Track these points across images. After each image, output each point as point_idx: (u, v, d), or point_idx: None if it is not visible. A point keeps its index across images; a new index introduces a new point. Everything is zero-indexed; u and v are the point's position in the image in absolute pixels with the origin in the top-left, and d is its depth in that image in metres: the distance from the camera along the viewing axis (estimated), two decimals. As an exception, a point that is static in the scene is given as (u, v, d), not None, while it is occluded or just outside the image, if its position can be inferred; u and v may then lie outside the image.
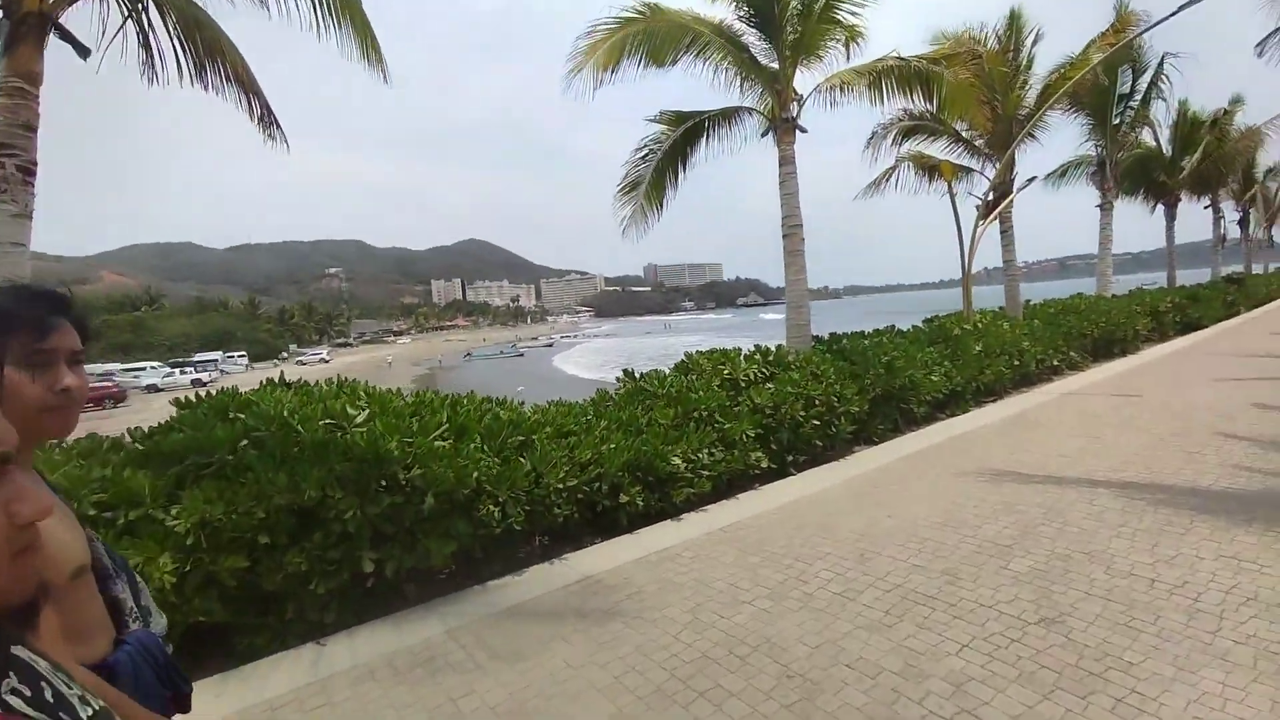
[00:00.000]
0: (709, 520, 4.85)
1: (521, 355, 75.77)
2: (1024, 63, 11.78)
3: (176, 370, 57.76)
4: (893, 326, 9.54)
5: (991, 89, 11.42)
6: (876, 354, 7.39)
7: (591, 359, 60.14)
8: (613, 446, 4.71)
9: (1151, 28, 11.67)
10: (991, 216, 12.26)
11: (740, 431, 5.52)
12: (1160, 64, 14.66)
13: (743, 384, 6.17)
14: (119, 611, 1.15)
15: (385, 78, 5.58)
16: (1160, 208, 19.64)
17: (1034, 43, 11.99)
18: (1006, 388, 9.20)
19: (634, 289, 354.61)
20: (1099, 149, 15.47)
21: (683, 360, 6.65)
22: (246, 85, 5.41)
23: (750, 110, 8.91)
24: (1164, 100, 14.96)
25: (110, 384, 44.42)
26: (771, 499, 5.29)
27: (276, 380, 4.60)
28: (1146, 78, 14.86)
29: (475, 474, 3.85)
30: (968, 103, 8.54)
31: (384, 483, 3.59)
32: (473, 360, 73.68)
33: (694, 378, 6.15)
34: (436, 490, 3.67)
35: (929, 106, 8.88)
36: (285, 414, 3.72)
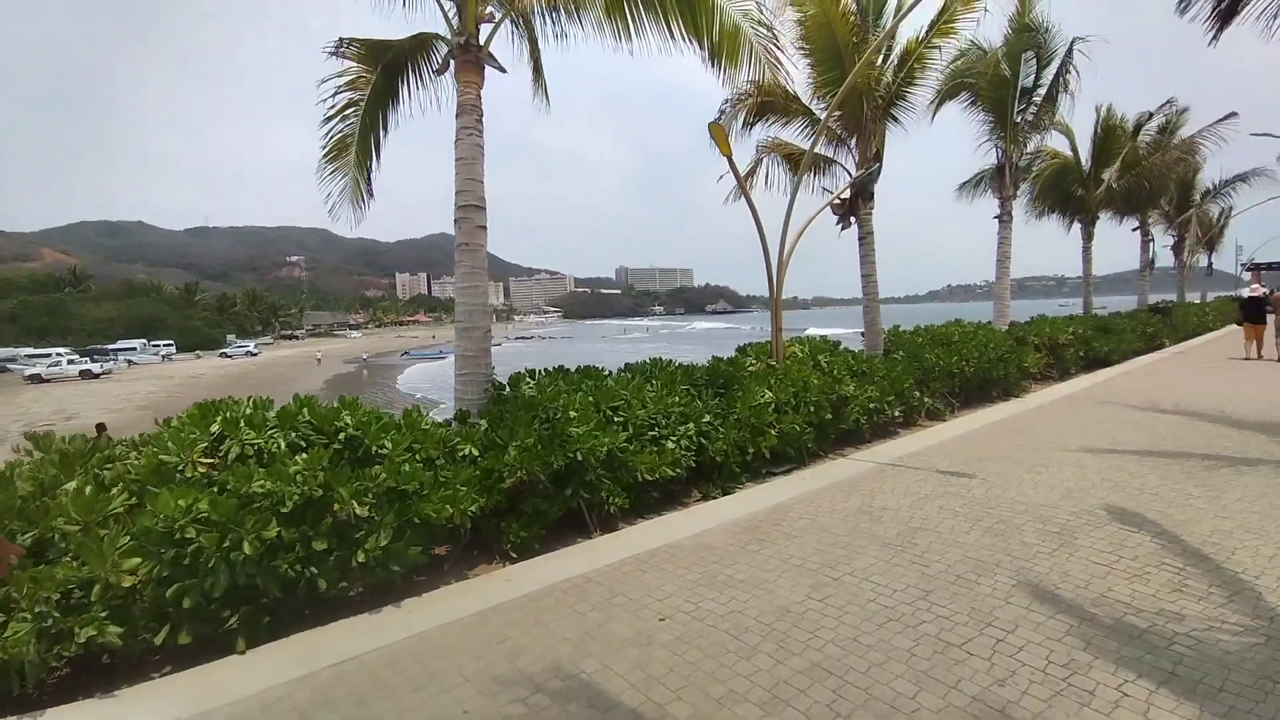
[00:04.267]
0: None
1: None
2: (876, 22, 9.27)
3: (65, 359, 52.76)
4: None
5: (833, 51, 8.90)
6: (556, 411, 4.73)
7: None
8: None
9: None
10: (818, 218, 9.77)
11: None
12: (1069, 51, 12.42)
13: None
14: None
15: None
16: (1078, 227, 17.60)
17: (899, 7, 9.51)
18: (805, 453, 6.62)
19: (604, 290, 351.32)
20: (999, 151, 13.18)
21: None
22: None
23: (443, 40, 6.19)
24: (1069, 94, 12.67)
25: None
26: None
27: None
28: (1053, 68, 12.61)
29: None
30: (734, 50, 5.92)
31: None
32: (409, 358, 69.81)
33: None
34: None
35: (702, 52, 6.25)
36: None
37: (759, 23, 6.12)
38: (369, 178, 7.41)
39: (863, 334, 10.29)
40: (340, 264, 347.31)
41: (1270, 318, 14.56)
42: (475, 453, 4.53)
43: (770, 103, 10.40)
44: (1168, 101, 18.12)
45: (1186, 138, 18.52)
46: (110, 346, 72.08)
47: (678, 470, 5.36)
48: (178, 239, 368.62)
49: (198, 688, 2.92)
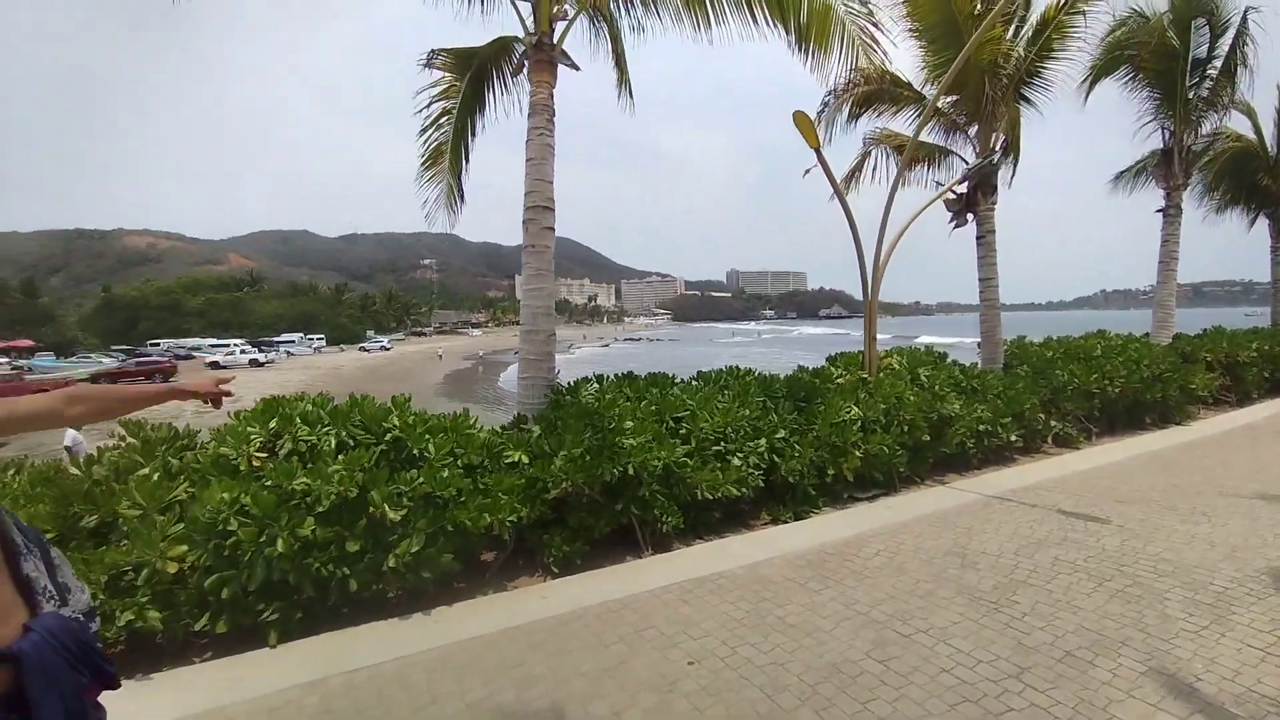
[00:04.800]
0: None
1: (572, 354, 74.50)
2: None
3: (239, 349, 60.73)
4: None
5: (949, 25, 7.91)
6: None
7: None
8: None
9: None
10: (949, 217, 8.74)
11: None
12: (1244, 20, 10.29)
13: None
14: (31, 591, 1.14)
15: None
16: (1265, 222, 14.64)
17: (1034, -29, 8.29)
18: (896, 478, 5.89)
19: (715, 294, 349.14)
20: (1166, 133, 11.21)
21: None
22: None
23: (520, 41, 6.16)
24: (1247, 67, 10.47)
25: (164, 359, 47.01)
26: None
27: None
28: (1229, 38, 10.51)
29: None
30: (824, 32, 5.30)
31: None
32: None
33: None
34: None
35: (789, 37, 5.71)
36: None
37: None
38: (460, 182, 7.63)
39: (979, 344, 9.15)
40: (466, 266, 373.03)
41: None
42: (524, 460, 4.40)
43: (877, 91, 9.55)
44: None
45: None
46: (275, 339, 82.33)
47: (743, 490, 4.91)
48: (333, 245, 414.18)
49: (220, 682, 2.98)
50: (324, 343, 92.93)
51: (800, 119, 6.07)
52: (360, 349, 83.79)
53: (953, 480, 6.20)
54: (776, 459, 5.25)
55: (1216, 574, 3.81)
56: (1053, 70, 8.81)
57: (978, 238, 8.97)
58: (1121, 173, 14.48)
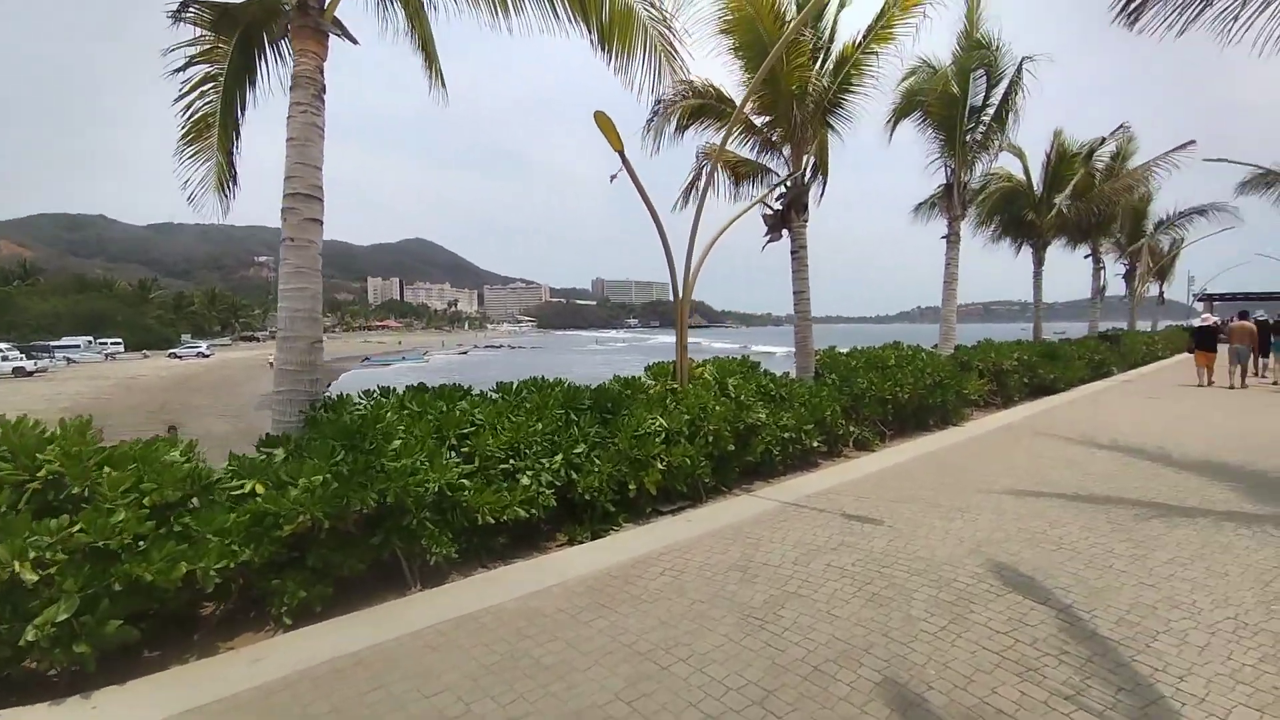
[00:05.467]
0: None
1: (426, 362, 70.28)
2: (811, 21, 8.70)
3: (1, 355, 49.81)
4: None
5: (761, 48, 8.28)
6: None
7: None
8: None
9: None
10: (767, 233, 9.14)
11: None
12: (1019, 70, 12.10)
13: None
14: None
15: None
16: (1029, 252, 17.39)
17: (840, 4, 8.97)
18: (702, 489, 5.85)
19: (580, 301, 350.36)
20: (948, 170, 12.78)
21: None
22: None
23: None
24: (1016, 114, 12.38)
25: None
26: None
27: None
28: (1002, 87, 12.28)
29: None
30: (626, 35, 5.20)
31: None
32: (369, 365, 67.68)
33: None
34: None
35: (591, 35, 5.53)
36: None
37: (653, 5, 5.42)
38: (232, 161, 6.54)
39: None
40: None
41: (1226, 345, 14.75)
42: (259, 490, 3.66)
43: (705, 106, 9.78)
44: (1120, 127, 18.11)
45: (1140, 165, 18.54)
46: (53, 344, 68.85)
47: (533, 511, 4.54)
48: (141, 234, 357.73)
49: None
50: (121, 348, 79.69)
51: (601, 120, 5.87)
52: (171, 355, 72.68)
53: (759, 488, 6.32)
54: (574, 475, 4.95)
55: (961, 570, 4.08)
56: (854, 103, 9.59)
57: (792, 253, 9.46)
58: (920, 204, 16.37)
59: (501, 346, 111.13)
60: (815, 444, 7.15)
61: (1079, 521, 5.03)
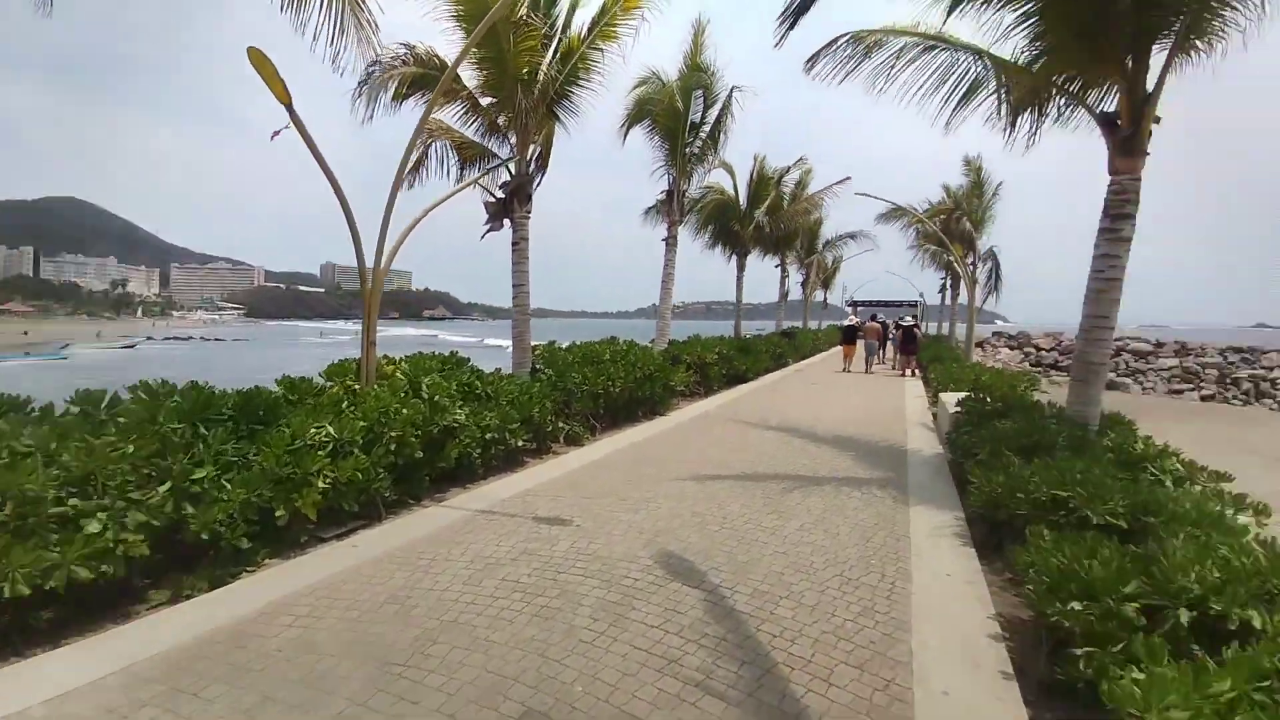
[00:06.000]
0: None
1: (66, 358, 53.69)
2: (545, 9, 8.53)
3: None
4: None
5: (481, 16, 7.76)
6: None
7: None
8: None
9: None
10: (487, 222, 8.67)
11: None
12: (730, 96, 13.63)
13: None
14: None
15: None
16: (735, 258, 20.04)
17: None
18: (383, 504, 5.11)
19: (304, 288, 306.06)
20: (670, 178, 13.85)
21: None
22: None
23: None
24: (726, 134, 14.06)
25: None
26: None
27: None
28: (717, 109, 13.74)
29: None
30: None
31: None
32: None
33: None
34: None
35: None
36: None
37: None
38: None
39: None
40: None
41: (863, 340, 19.03)
42: None
43: (428, 76, 8.81)
44: (800, 159, 21.96)
45: (814, 191, 22.70)
46: None
47: (105, 568, 3.33)
48: None
49: None
50: None
51: (257, 58, 4.72)
52: None
53: (453, 495, 5.79)
54: (187, 509, 3.82)
55: (634, 565, 4.13)
56: (581, 97, 9.63)
57: (513, 244, 9.12)
58: (649, 208, 17.52)
59: (190, 339, 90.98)
60: (520, 443, 6.89)
61: (740, 500, 5.60)
